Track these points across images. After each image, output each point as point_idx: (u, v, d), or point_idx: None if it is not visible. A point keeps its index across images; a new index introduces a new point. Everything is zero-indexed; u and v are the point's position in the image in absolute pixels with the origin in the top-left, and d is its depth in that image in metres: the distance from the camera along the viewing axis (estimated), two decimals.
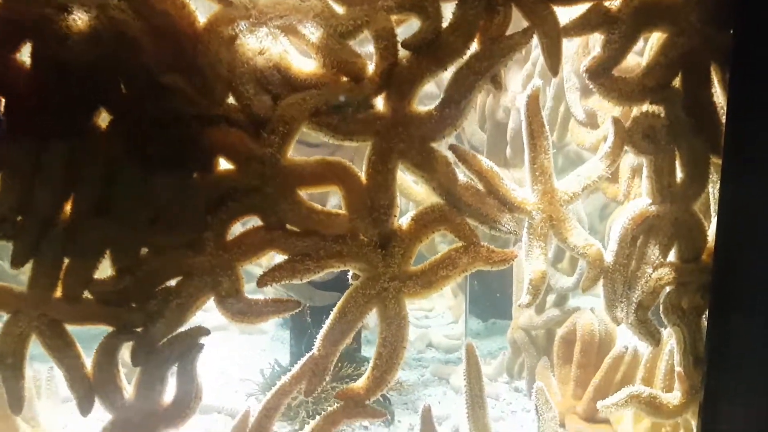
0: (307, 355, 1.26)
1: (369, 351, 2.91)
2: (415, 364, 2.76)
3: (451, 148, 1.23)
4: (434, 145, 1.20)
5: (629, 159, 1.58)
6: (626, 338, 2.03)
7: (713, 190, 1.35)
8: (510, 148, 2.21)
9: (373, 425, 2.12)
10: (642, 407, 1.42)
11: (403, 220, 1.24)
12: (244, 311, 1.20)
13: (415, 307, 3.91)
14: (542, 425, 1.43)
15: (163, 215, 1.16)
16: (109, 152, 1.11)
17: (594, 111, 1.73)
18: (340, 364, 2.04)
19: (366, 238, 1.21)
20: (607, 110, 1.70)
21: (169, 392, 1.21)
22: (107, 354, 1.16)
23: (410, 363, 2.77)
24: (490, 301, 3.42)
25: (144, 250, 1.17)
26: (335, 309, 1.25)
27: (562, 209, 1.28)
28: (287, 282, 1.21)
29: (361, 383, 1.28)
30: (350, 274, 1.26)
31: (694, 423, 1.50)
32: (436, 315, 3.81)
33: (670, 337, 1.55)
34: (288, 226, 1.19)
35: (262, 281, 1.19)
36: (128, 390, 1.21)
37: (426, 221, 1.24)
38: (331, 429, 1.29)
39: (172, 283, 1.19)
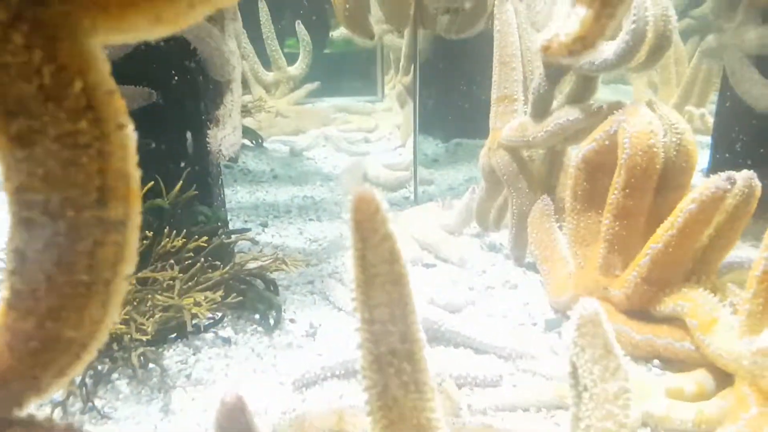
0: None
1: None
2: (337, 211, 1.78)
3: None
4: None
5: None
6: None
7: None
8: None
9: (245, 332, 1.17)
10: None
11: None
12: None
13: (351, 127, 2.87)
14: (586, 400, 0.48)
15: None
16: None
17: None
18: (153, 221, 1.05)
19: None
20: None
21: None
22: None
23: (330, 210, 1.79)
24: (453, 113, 2.42)
25: None
26: None
27: None
28: None
29: None
30: None
31: None
32: (380, 137, 2.80)
33: None
34: None
35: None
36: None
37: None
38: None
39: None
